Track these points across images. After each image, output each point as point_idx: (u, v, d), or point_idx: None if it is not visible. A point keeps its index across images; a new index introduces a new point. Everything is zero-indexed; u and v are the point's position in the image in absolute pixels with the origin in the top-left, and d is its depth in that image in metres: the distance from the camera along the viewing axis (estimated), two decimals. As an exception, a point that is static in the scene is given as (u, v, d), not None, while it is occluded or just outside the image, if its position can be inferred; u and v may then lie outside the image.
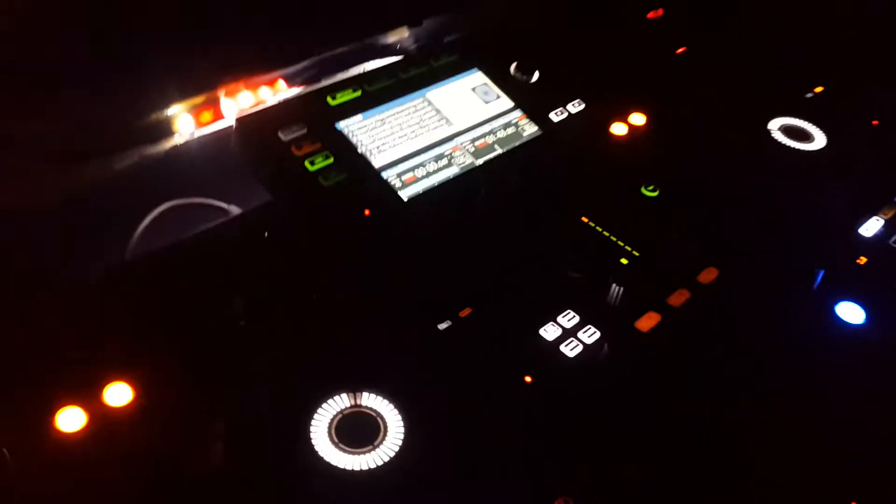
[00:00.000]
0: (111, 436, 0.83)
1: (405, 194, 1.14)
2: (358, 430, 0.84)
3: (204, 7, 1.14)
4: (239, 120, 1.15)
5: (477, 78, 1.33)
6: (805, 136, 1.34)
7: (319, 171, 1.12)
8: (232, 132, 1.15)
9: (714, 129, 1.34)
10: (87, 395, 0.86)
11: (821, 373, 0.99)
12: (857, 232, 1.17)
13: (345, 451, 0.82)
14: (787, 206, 1.20)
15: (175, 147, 1.16)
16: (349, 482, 0.80)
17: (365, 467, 0.81)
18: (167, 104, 1.14)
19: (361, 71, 1.34)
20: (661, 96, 1.40)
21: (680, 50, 1.53)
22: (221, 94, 1.18)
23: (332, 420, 0.85)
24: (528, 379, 0.93)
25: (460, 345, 0.96)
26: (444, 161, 1.20)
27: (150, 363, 0.89)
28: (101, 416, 0.84)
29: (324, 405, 0.86)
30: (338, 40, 1.31)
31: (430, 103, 1.27)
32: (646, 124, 1.35)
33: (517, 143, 1.26)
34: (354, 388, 0.87)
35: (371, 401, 0.87)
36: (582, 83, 1.37)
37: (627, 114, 1.36)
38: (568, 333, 0.98)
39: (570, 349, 0.97)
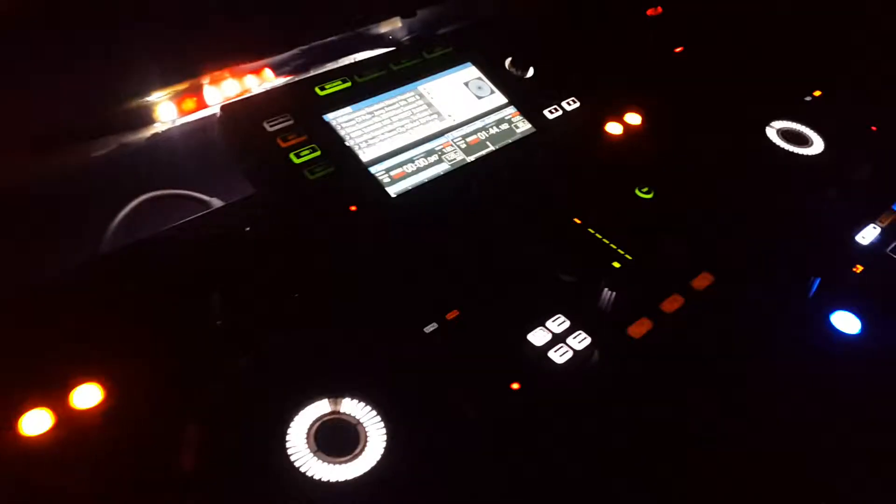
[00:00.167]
0: (79, 440, 0.80)
1: (393, 190, 1.11)
2: (337, 438, 0.80)
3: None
4: (223, 109, 1.11)
5: (470, 72, 1.30)
6: (803, 141, 1.31)
7: (305, 164, 1.08)
8: (215, 121, 1.11)
9: (711, 131, 1.31)
10: (54, 397, 0.82)
11: (815, 383, 0.96)
12: (854, 239, 1.15)
13: (323, 459, 0.79)
14: (783, 212, 1.17)
15: (155, 136, 1.11)
16: (327, 494, 0.77)
17: (343, 478, 0.78)
18: (148, 90, 1.09)
19: (351, 61, 1.30)
20: (657, 96, 1.37)
21: (678, 49, 1.50)
22: (205, 81, 1.14)
23: (311, 427, 0.81)
24: (515, 386, 0.90)
25: (446, 349, 0.93)
26: (435, 157, 1.17)
27: (121, 363, 0.85)
28: (69, 419, 0.81)
29: (302, 411, 0.82)
30: (328, 29, 1.26)
31: (421, 97, 1.23)
32: (641, 124, 1.32)
33: (510, 141, 1.23)
34: (335, 394, 0.84)
35: (352, 407, 0.84)
36: (577, 80, 1.34)
37: (623, 113, 1.32)
38: (557, 339, 0.95)
39: (560, 355, 0.94)
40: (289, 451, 0.79)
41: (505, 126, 1.24)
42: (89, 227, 1.07)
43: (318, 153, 1.10)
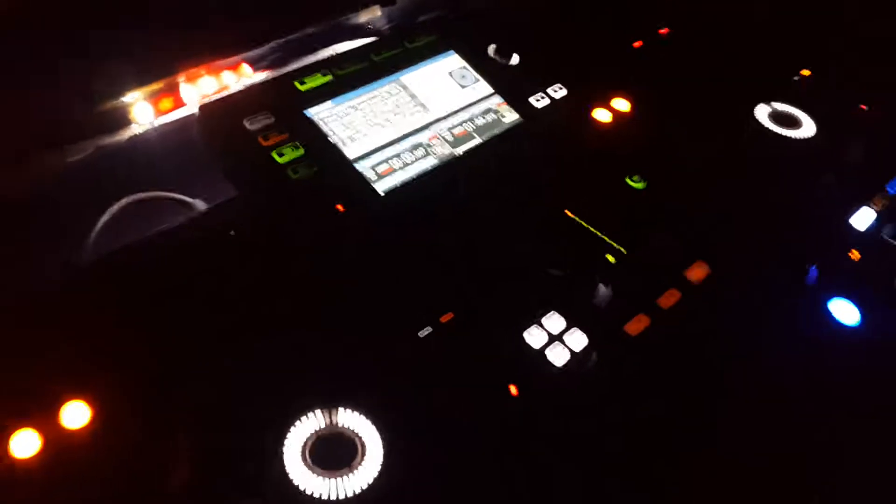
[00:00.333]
0: (69, 461, 0.77)
1: (381, 187, 1.08)
2: (334, 452, 0.78)
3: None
4: (201, 108, 1.07)
5: (454, 61, 1.27)
6: (794, 123, 1.29)
7: (289, 163, 1.05)
8: (194, 121, 1.08)
9: (700, 116, 1.29)
10: (42, 416, 0.79)
11: (817, 374, 0.95)
12: (849, 223, 1.13)
13: (319, 474, 0.77)
14: (776, 197, 1.16)
15: (133, 137, 1.08)
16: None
17: (342, 494, 0.76)
18: (122, 91, 1.05)
19: (332, 53, 1.26)
20: (645, 80, 1.34)
21: (663, 31, 1.47)
22: (181, 79, 1.10)
23: (307, 441, 0.79)
24: (514, 391, 0.88)
25: (442, 354, 0.90)
26: (422, 151, 1.14)
27: (109, 379, 0.82)
28: (58, 439, 0.78)
29: (296, 424, 0.80)
30: (305, 20, 1.22)
31: (405, 88, 1.20)
32: (630, 111, 1.29)
33: (497, 132, 1.20)
34: (329, 405, 0.81)
35: (348, 418, 0.81)
36: (563, 66, 1.31)
37: (610, 99, 1.30)
38: (554, 339, 0.93)
39: (557, 356, 0.92)
40: (284, 467, 0.76)
41: (492, 116, 1.22)
42: (68, 233, 1.03)
43: (302, 151, 1.07)
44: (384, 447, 0.80)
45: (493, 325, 0.95)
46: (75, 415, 0.80)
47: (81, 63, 1.00)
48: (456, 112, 1.20)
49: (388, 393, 0.84)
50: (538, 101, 1.25)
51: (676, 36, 1.47)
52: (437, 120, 1.18)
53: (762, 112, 1.30)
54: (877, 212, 1.15)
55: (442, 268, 1.02)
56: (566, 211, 1.11)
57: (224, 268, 0.96)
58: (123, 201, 1.06)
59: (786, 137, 1.27)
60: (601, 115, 1.27)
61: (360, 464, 0.78)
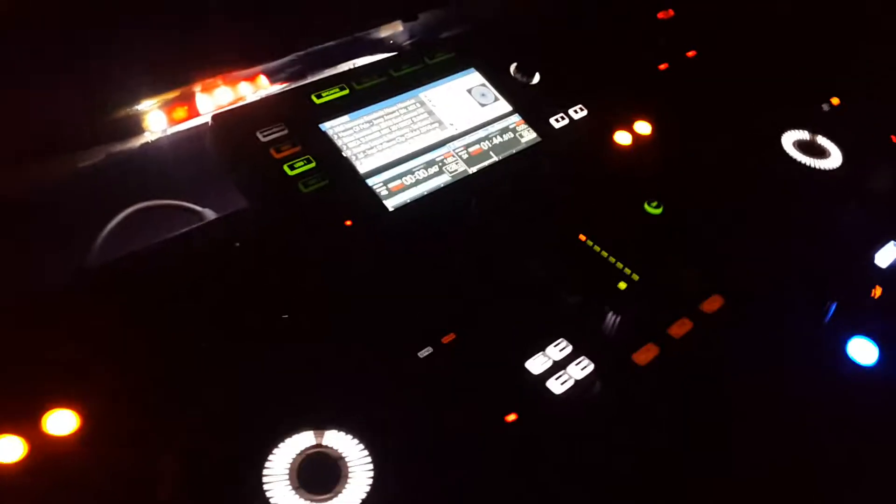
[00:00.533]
0: (52, 469, 0.76)
1: (391, 203, 1.06)
2: (320, 474, 0.76)
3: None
4: (214, 118, 1.07)
5: (474, 78, 1.25)
6: (820, 152, 1.25)
7: (299, 176, 1.04)
8: (207, 130, 1.07)
9: (724, 142, 1.25)
10: (27, 423, 0.78)
11: (830, 414, 0.91)
12: (873, 260, 1.09)
13: (304, 496, 0.75)
14: (798, 229, 1.12)
15: (145, 145, 1.07)
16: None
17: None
18: (137, 99, 1.05)
19: (350, 67, 1.26)
20: (669, 103, 1.32)
21: (690, 54, 1.44)
22: (197, 89, 1.10)
23: (293, 461, 0.77)
24: (511, 418, 0.85)
25: (439, 376, 0.88)
26: (435, 168, 1.12)
27: (97, 387, 0.81)
28: (42, 447, 0.77)
29: (282, 444, 0.78)
30: (326, 34, 1.22)
31: (422, 104, 1.19)
32: (651, 134, 1.26)
33: (514, 151, 1.18)
34: (319, 425, 0.79)
35: (336, 439, 0.79)
36: (585, 87, 1.29)
37: (632, 122, 1.27)
38: (558, 366, 0.91)
39: (560, 384, 0.89)
40: (266, 489, 0.74)
41: (509, 135, 1.20)
42: (76, 238, 1.03)
43: (313, 164, 1.06)
44: (373, 471, 0.77)
45: (495, 348, 0.92)
46: (61, 422, 0.79)
47: (96, 68, 1.00)
48: (473, 130, 1.18)
49: (381, 414, 0.82)
50: (558, 122, 1.23)
51: (704, 60, 1.44)
52: (454, 137, 1.16)
53: (788, 140, 1.26)
54: (904, 249, 1.11)
55: (448, 288, 1.00)
56: (580, 235, 1.09)
57: (225, 280, 0.94)
58: (132, 208, 1.05)
59: (811, 167, 1.23)
60: (622, 137, 1.25)
61: (344, 488, 0.76)
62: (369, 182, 1.07)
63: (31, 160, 0.98)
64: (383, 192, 1.07)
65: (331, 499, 0.75)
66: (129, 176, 1.06)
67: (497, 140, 1.19)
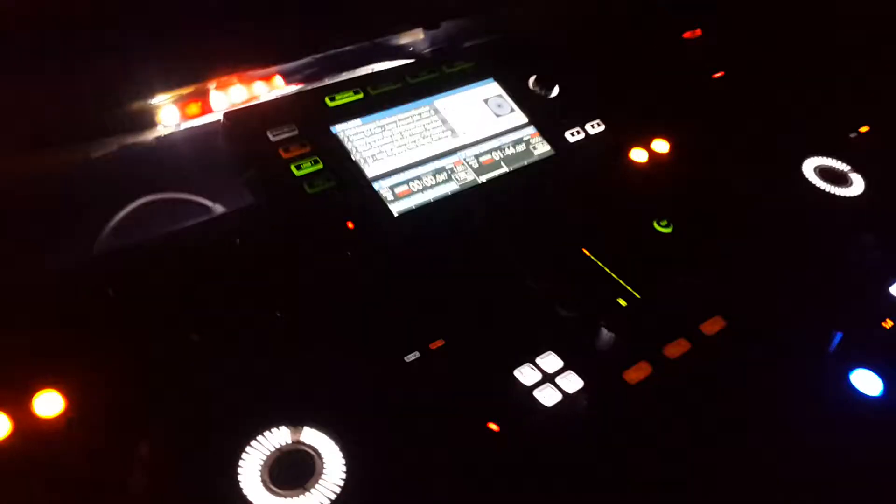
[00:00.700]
0: (35, 448, 0.77)
1: (396, 208, 1.07)
2: (293, 470, 0.76)
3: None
4: (226, 115, 1.08)
5: (492, 88, 1.25)
6: (842, 180, 1.22)
7: (305, 176, 1.05)
8: (220, 127, 1.09)
9: (743, 165, 1.23)
10: (16, 402, 0.80)
11: (829, 447, 0.88)
12: (888, 291, 1.06)
13: (275, 493, 0.75)
14: (812, 256, 1.09)
15: (158, 139, 1.09)
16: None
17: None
18: (152, 93, 1.07)
19: (369, 72, 1.26)
20: (689, 123, 1.29)
21: (717, 74, 1.42)
22: (212, 86, 1.12)
23: (268, 457, 0.77)
24: (494, 427, 0.84)
25: (425, 380, 0.88)
26: (444, 175, 1.12)
27: (87, 372, 0.82)
28: (27, 426, 0.79)
29: (258, 438, 0.78)
30: (346, 38, 1.23)
31: (436, 112, 1.19)
32: (669, 153, 1.25)
33: (525, 163, 1.18)
34: (297, 422, 0.79)
35: (313, 437, 0.79)
36: (605, 103, 1.28)
37: (650, 140, 1.26)
38: (546, 378, 0.90)
39: (546, 397, 0.88)
40: (239, 482, 0.75)
41: (522, 147, 1.19)
42: (85, 228, 1.05)
43: (321, 166, 1.07)
44: (345, 471, 0.77)
45: (484, 357, 0.91)
46: (48, 404, 0.80)
47: (112, 61, 1.02)
48: (486, 140, 1.18)
49: (360, 415, 0.82)
50: (573, 136, 1.22)
51: (732, 80, 1.41)
52: (466, 146, 1.16)
53: (810, 166, 1.23)
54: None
55: (445, 294, 0.99)
56: (584, 249, 1.07)
57: (221, 275, 0.95)
58: (141, 200, 1.07)
59: (831, 194, 1.20)
60: (638, 154, 1.23)
61: (316, 485, 0.75)
62: (376, 186, 1.08)
63: (44, 148, 1.00)
64: (389, 196, 1.07)
65: (301, 494, 0.75)
66: (140, 168, 1.08)
67: (509, 151, 1.18)
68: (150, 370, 0.85)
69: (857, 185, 1.21)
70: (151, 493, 0.75)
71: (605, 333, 0.94)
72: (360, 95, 1.16)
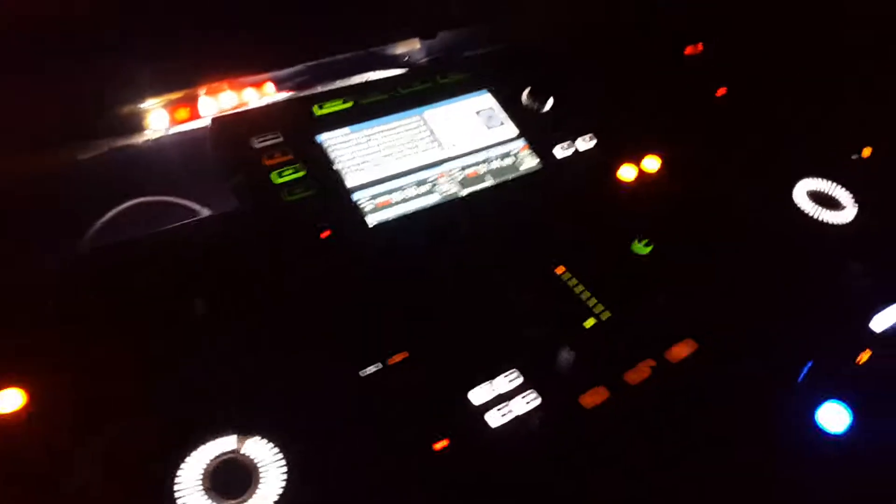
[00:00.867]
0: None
1: (372, 219, 1.07)
2: (232, 478, 0.78)
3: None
4: (214, 121, 1.10)
5: (485, 100, 1.25)
6: (833, 204, 1.19)
7: (285, 184, 1.07)
8: (207, 132, 1.11)
9: (733, 185, 1.21)
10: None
11: (790, 483, 0.87)
12: (867, 324, 1.03)
13: (213, 499, 0.76)
14: (793, 283, 1.07)
15: (146, 142, 1.12)
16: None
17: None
18: (142, 97, 1.10)
19: (363, 81, 1.27)
20: (684, 141, 1.28)
21: (720, 92, 1.40)
22: (202, 91, 1.14)
23: (208, 465, 0.79)
24: (439, 445, 0.85)
25: (379, 395, 0.89)
26: (426, 187, 1.13)
27: (48, 370, 0.85)
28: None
29: (201, 447, 0.80)
30: (339, 47, 1.24)
31: (424, 123, 1.19)
32: (659, 171, 1.23)
33: (511, 177, 1.17)
34: (243, 431, 0.81)
35: (256, 446, 0.81)
36: (598, 118, 1.27)
37: (641, 156, 1.24)
38: (501, 398, 0.90)
39: (500, 416, 0.88)
40: (176, 490, 0.76)
41: (509, 160, 1.19)
42: (71, 228, 1.08)
43: (302, 174, 1.08)
44: (286, 480, 0.79)
45: (443, 373, 0.92)
46: (9, 400, 0.83)
47: (105, 65, 1.04)
48: (474, 152, 1.18)
49: (306, 426, 0.83)
50: (563, 150, 1.22)
51: (730, 99, 1.39)
52: (451, 158, 1.17)
53: (802, 189, 1.21)
54: (903, 315, 1.05)
55: (410, 308, 1.00)
56: (558, 268, 1.07)
57: (195, 278, 0.97)
58: (127, 203, 1.10)
59: (819, 220, 1.17)
60: (626, 172, 1.22)
61: (254, 494, 0.77)
62: (354, 196, 1.09)
63: (32, 149, 1.03)
64: (368, 207, 1.08)
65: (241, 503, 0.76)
66: (128, 171, 1.11)
67: (496, 164, 1.18)
68: (107, 373, 0.87)
69: (848, 211, 1.18)
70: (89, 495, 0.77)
71: (566, 354, 0.93)
72: (349, 104, 1.17)
